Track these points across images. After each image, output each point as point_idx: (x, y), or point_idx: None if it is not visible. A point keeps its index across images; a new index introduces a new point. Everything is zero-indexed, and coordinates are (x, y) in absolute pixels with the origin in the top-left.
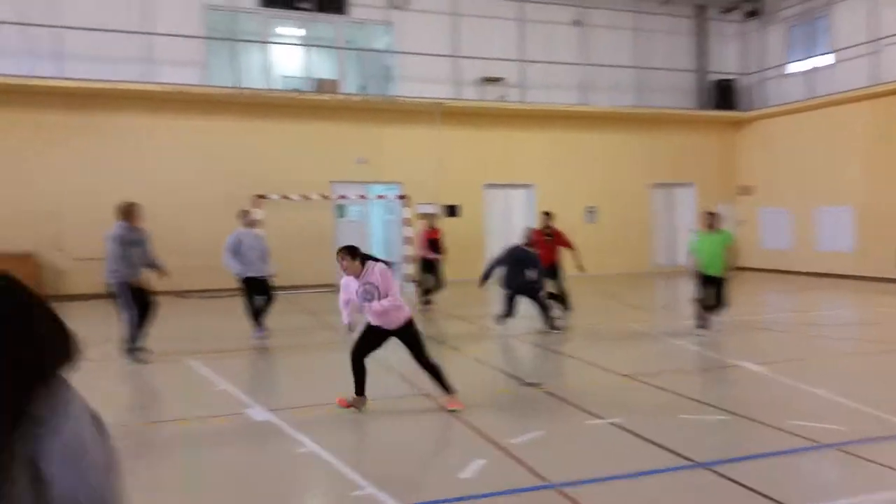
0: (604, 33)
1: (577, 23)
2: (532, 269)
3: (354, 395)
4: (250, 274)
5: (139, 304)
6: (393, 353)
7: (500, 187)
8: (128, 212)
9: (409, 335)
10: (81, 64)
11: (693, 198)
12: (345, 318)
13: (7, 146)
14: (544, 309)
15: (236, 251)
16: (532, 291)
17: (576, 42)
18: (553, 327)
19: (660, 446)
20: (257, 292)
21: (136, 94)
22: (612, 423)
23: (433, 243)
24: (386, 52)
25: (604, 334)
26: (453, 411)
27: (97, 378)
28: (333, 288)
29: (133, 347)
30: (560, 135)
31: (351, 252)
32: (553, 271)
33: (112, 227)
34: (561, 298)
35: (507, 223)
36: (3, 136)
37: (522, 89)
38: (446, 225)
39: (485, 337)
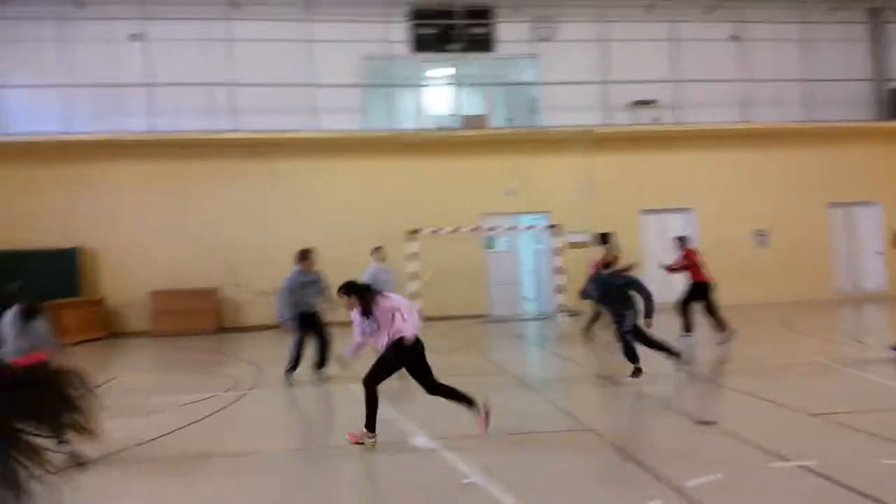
0: (765, 47)
1: (734, 38)
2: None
3: (365, 430)
4: None
5: (316, 334)
6: (549, 386)
7: (657, 212)
8: (303, 257)
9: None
10: (253, 116)
11: (878, 217)
12: (348, 352)
13: (191, 192)
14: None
15: (377, 284)
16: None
17: (734, 58)
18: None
19: (861, 493)
20: None
21: (301, 142)
22: (801, 466)
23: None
24: (534, 84)
25: (781, 367)
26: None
27: (271, 402)
28: (486, 318)
29: (290, 369)
30: (720, 155)
31: (345, 289)
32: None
33: (289, 271)
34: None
35: (666, 249)
36: (188, 184)
37: (677, 110)
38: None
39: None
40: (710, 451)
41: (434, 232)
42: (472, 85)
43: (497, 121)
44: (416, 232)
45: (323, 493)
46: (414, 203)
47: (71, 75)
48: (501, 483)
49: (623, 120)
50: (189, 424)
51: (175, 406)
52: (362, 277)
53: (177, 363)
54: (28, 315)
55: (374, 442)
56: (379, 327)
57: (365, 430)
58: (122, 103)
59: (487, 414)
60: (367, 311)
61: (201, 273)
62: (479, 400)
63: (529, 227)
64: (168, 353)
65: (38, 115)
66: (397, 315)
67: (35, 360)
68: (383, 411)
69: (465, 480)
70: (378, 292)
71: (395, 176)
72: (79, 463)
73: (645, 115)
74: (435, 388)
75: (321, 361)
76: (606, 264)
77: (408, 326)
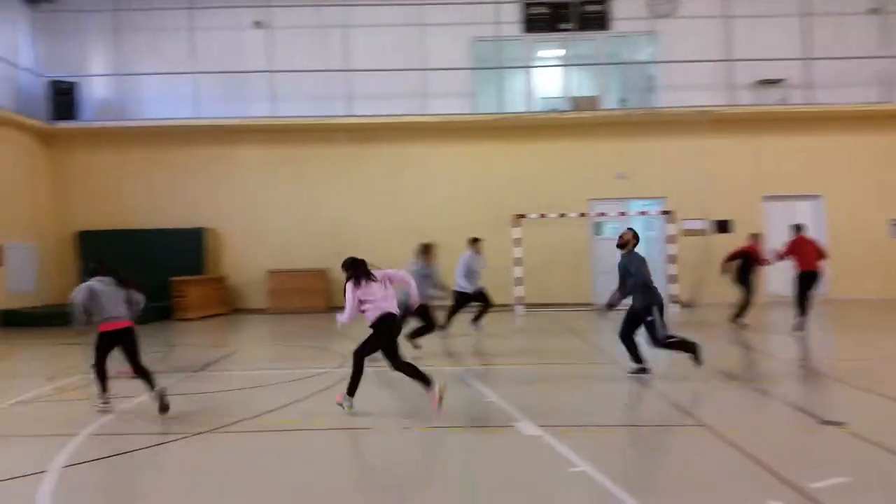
0: None
1: (874, 11)
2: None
3: (345, 394)
4: (472, 290)
5: (423, 319)
6: (661, 379)
7: (781, 199)
8: (425, 251)
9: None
10: (366, 102)
11: None
12: (341, 319)
13: (307, 176)
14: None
15: (470, 272)
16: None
17: (874, 32)
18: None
19: None
20: (476, 301)
21: (411, 127)
22: None
23: (751, 258)
24: (651, 62)
25: None
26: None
27: (379, 380)
28: (592, 307)
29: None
30: (856, 138)
31: (344, 265)
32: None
33: (411, 264)
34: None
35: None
36: (304, 168)
37: (808, 90)
38: (716, 241)
39: (766, 363)
40: (836, 452)
41: (541, 217)
42: (583, 65)
43: (609, 102)
44: (521, 217)
45: (426, 471)
46: (521, 187)
47: (199, 63)
48: (612, 475)
49: (747, 100)
50: (306, 398)
51: (290, 379)
52: (463, 265)
53: (292, 339)
54: (119, 285)
55: (351, 408)
56: (372, 300)
57: (346, 394)
58: (246, 89)
59: (441, 397)
60: (358, 284)
61: (314, 254)
62: (436, 381)
63: (641, 213)
64: (283, 329)
65: (168, 101)
66: (386, 293)
67: (122, 326)
68: (484, 394)
69: (573, 469)
70: (368, 270)
71: (502, 160)
72: (163, 406)
73: (771, 95)
74: (399, 365)
75: (418, 333)
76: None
77: (389, 305)
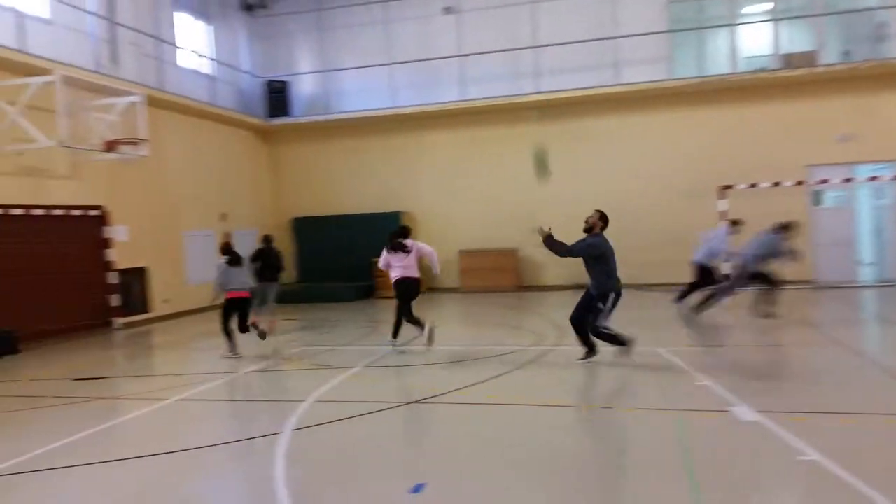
0: None
1: None
2: None
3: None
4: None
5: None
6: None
7: None
8: (785, 228)
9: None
10: (554, 77)
11: None
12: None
13: (496, 156)
14: None
15: (717, 252)
16: None
17: None
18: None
19: None
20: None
21: (602, 98)
22: None
23: None
24: (880, 8)
25: None
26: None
27: (574, 359)
28: (811, 285)
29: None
30: None
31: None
32: None
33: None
34: None
35: None
36: (494, 148)
37: None
38: None
39: None
40: None
41: (752, 186)
42: (797, 17)
43: (829, 56)
44: (728, 188)
45: (637, 454)
46: (727, 156)
47: (393, 54)
48: (845, 465)
49: None
50: (504, 374)
51: (487, 356)
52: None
53: (484, 317)
54: (232, 262)
55: (394, 345)
56: (395, 265)
57: (391, 338)
58: (437, 76)
59: (432, 332)
60: (390, 251)
61: (504, 233)
62: (427, 323)
63: (871, 179)
64: (476, 308)
65: (366, 93)
66: (407, 262)
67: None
68: (696, 379)
69: (802, 458)
70: (399, 243)
71: (705, 127)
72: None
73: None
74: (409, 317)
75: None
76: None
77: (406, 272)
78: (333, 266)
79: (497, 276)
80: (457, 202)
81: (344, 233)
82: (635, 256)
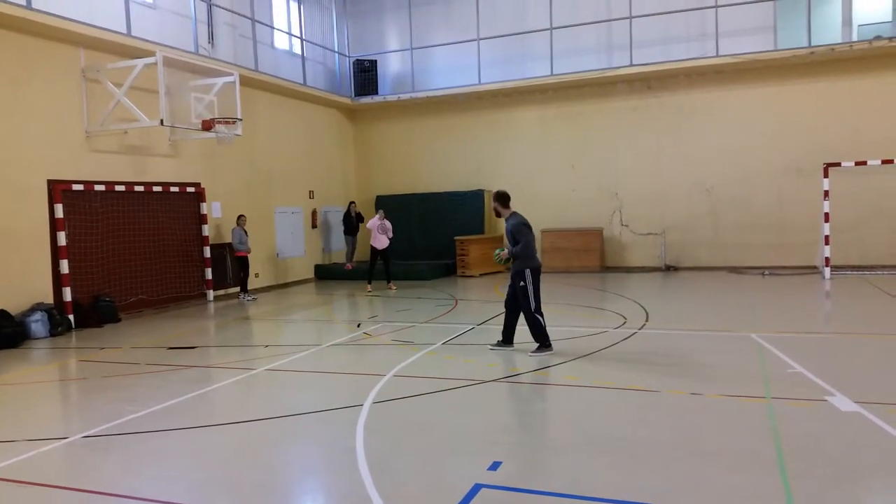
0: None
1: None
2: None
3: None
4: None
5: None
6: None
7: None
8: None
9: None
10: (647, 50)
11: None
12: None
13: (584, 132)
14: None
15: None
16: None
17: None
18: None
19: None
20: None
21: (699, 71)
22: None
23: None
24: None
25: None
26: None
27: (660, 342)
28: None
29: None
30: None
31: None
32: None
33: None
34: None
35: None
36: (582, 125)
37: None
38: None
39: None
40: None
41: (863, 163)
42: None
43: None
44: (833, 166)
45: (727, 443)
46: (835, 132)
47: (483, 30)
48: None
49: None
50: (585, 356)
51: (569, 337)
52: None
53: (567, 298)
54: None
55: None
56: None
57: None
58: (526, 51)
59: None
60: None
61: (589, 213)
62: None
63: None
64: (559, 288)
65: (454, 70)
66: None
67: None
68: (787, 363)
69: None
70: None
71: (811, 101)
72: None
73: None
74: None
75: None
76: None
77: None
78: (416, 244)
79: (580, 257)
80: (540, 180)
81: (427, 211)
82: (732, 237)
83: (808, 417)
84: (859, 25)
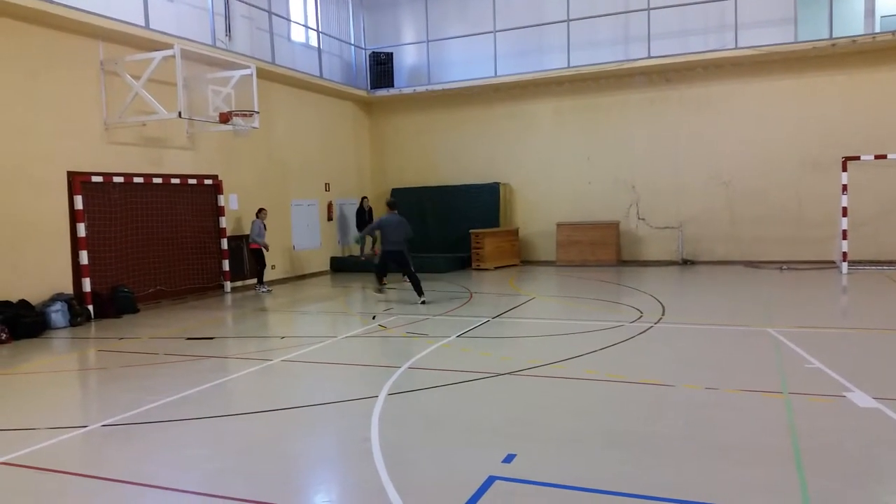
0: None
1: None
2: None
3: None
4: None
5: None
6: None
7: None
8: None
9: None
10: (665, 42)
11: None
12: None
13: (600, 125)
14: None
15: None
16: None
17: None
18: None
19: None
20: None
21: (717, 63)
22: None
23: None
24: None
25: None
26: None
27: (678, 337)
28: None
29: None
30: None
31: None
32: None
33: None
34: None
35: None
36: (598, 117)
37: None
38: None
39: None
40: None
41: (882, 157)
42: None
43: None
44: (852, 159)
45: (743, 438)
46: (855, 125)
47: (499, 22)
48: None
49: None
50: (600, 349)
51: (582, 331)
52: None
53: (582, 291)
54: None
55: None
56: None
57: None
58: (542, 43)
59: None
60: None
61: (605, 206)
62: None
63: None
64: (573, 281)
65: (470, 63)
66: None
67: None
68: (805, 359)
69: None
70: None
71: (833, 94)
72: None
73: None
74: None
75: None
76: None
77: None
78: (431, 237)
79: (595, 250)
80: (557, 172)
81: (442, 204)
82: (748, 231)
83: (826, 413)
84: (882, 16)
